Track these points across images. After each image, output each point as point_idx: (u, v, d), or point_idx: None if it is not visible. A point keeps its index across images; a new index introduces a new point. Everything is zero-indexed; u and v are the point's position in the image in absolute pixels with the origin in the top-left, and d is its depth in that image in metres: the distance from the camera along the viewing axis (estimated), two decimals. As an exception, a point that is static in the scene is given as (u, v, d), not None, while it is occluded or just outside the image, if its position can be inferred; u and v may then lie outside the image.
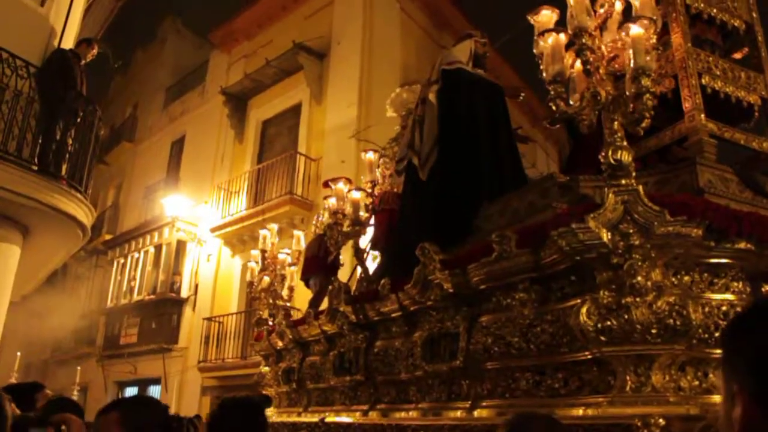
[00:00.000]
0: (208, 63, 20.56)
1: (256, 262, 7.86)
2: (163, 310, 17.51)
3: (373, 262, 6.79)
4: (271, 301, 7.34)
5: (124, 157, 23.46)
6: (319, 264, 7.25)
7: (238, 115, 17.87)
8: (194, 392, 16.16)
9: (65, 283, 23.33)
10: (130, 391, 19.32)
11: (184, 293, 17.54)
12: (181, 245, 17.84)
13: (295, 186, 14.79)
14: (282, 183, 15.26)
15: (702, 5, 4.40)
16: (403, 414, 4.55)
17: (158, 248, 18.25)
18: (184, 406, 15.86)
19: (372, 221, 6.32)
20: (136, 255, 19.04)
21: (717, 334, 3.05)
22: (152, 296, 17.78)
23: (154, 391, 17.88)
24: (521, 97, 5.50)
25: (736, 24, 4.59)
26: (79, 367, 15.26)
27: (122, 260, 19.61)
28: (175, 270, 17.73)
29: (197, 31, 23.11)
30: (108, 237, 21.10)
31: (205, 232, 17.22)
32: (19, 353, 13.59)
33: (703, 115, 3.93)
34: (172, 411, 13.59)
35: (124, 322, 18.46)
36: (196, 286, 17.33)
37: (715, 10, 4.46)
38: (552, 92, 3.49)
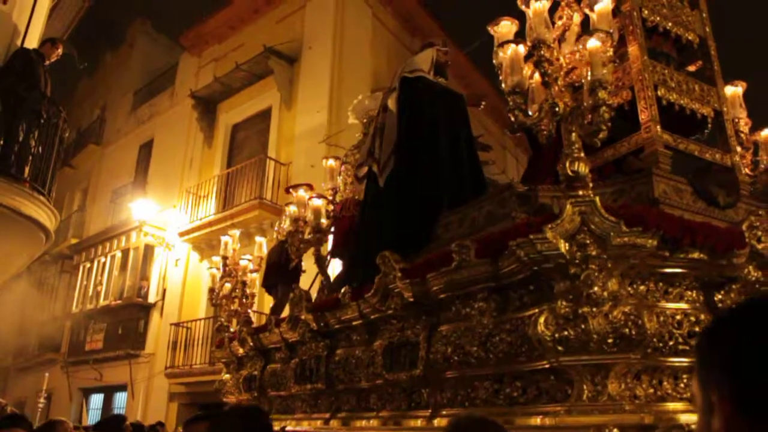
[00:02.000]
0: (177, 66, 20.32)
1: (218, 269, 7.78)
2: (129, 316, 17.25)
3: (334, 269, 6.79)
4: (232, 307, 7.29)
5: (90, 160, 23.06)
6: (280, 271, 7.17)
7: (207, 119, 17.69)
8: (161, 399, 15.90)
9: (29, 288, 23.00)
10: (96, 399, 19.06)
11: (152, 298, 17.27)
12: (148, 250, 17.57)
13: (264, 191, 14.70)
14: (251, 187, 15.15)
15: (658, 19, 4.48)
16: (363, 422, 4.55)
17: (125, 253, 17.95)
18: (150, 413, 15.64)
19: (333, 228, 6.31)
20: (102, 259, 18.72)
21: (671, 343, 3.11)
22: (119, 301, 17.47)
23: (120, 398, 17.64)
24: (482, 106, 5.53)
25: (690, 38, 4.69)
26: (47, 374, 14.97)
27: (88, 265, 19.27)
28: (142, 275, 17.44)
29: (167, 34, 22.91)
30: (74, 241, 20.71)
31: (174, 237, 17.01)
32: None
33: (658, 127, 4.00)
34: (138, 418, 13.46)
35: (90, 327, 18.16)
36: (164, 291, 17.10)
37: (670, 24, 4.55)
38: (511, 103, 3.53)
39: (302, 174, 13.00)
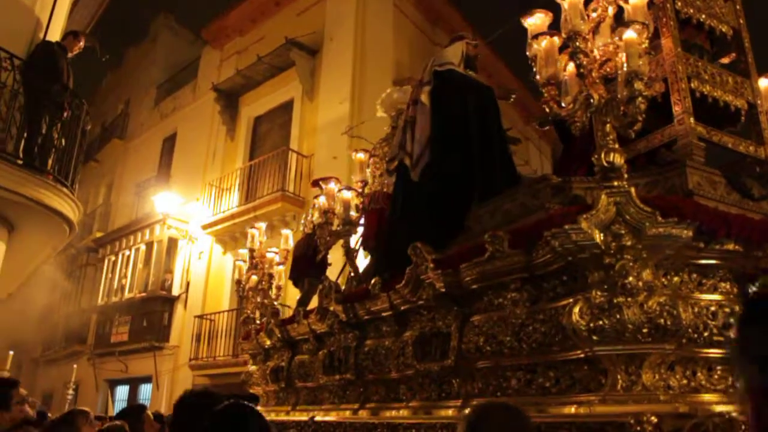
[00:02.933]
0: (199, 59, 20.45)
1: (244, 261, 7.85)
2: (154, 308, 17.41)
3: (365, 259, 6.81)
4: (259, 299, 7.34)
5: (115, 154, 23.31)
6: (307, 263, 7.21)
7: (229, 112, 17.76)
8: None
9: (56, 281, 23.24)
10: (121, 390, 19.24)
11: (176, 291, 17.45)
12: (172, 243, 17.74)
13: (287, 183, 14.74)
14: (274, 180, 15.20)
15: (691, 11, 4.46)
16: (393, 413, 4.58)
17: (149, 246, 18.14)
18: (175, 404, 15.84)
19: (362, 221, 6.34)
20: (126, 253, 18.93)
21: (706, 334, 3.12)
22: (143, 294, 17.68)
23: (145, 389, 17.82)
24: (512, 99, 5.54)
25: (723, 30, 4.67)
26: (75, 365, 15.15)
27: (113, 258, 19.50)
28: (166, 268, 17.62)
29: (190, 28, 23.02)
30: (99, 234, 20.96)
31: (197, 230, 17.11)
32: (12, 352, 13.50)
33: (692, 119, 3.99)
34: (162, 410, 13.60)
35: (115, 320, 18.35)
36: (188, 283, 17.23)
37: (703, 16, 4.53)
38: (545, 95, 3.54)
39: (324, 166, 13.04)
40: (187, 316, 16.74)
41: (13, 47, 8.02)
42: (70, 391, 13.94)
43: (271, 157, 15.68)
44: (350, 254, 6.09)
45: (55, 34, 9.29)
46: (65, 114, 8.35)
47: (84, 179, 23.37)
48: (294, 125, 15.98)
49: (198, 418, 2.76)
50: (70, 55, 8.90)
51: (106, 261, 19.82)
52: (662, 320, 2.99)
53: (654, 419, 2.75)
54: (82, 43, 9.20)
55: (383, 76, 14.44)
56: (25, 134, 7.95)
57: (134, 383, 18.41)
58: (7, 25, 8.37)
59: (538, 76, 3.58)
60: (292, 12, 17.02)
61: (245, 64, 17.18)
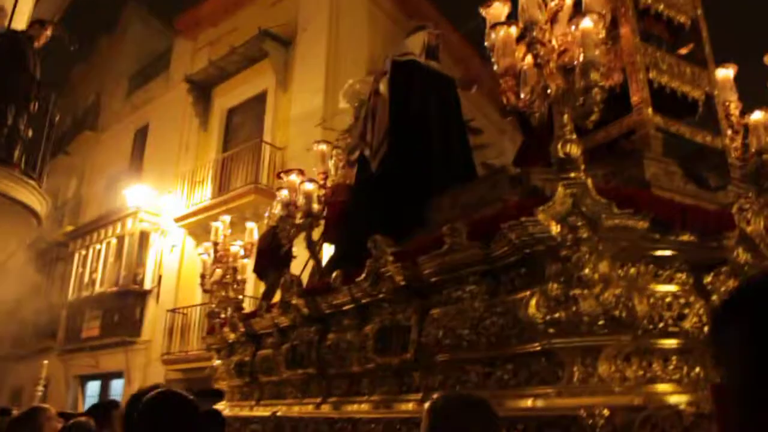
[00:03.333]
0: (172, 50, 20.17)
1: (208, 254, 7.79)
2: (125, 303, 17.14)
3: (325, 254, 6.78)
4: (223, 293, 7.28)
5: (86, 146, 22.89)
6: (272, 256, 7.15)
7: (202, 104, 17.56)
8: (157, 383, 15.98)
9: (24, 276, 22.92)
10: (92, 386, 19.04)
11: (148, 285, 17.19)
12: (144, 236, 17.46)
13: (260, 175, 14.65)
14: (247, 172, 15.06)
15: (650, 1, 4.48)
16: (354, 407, 4.55)
17: (121, 239, 17.83)
18: (147, 399, 15.73)
19: (324, 213, 6.30)
20: (98, 246, 18.61)
21: (661, 325, 3.12)
22: (114, 288, 17.37)
23: (117, 385, 17.66)
24: (474, 89, 5.52)
25: (682, 20, 4.69)
26: (46, 361, 14.95)
27: (84, 252, 19.18)
28: (138, 261, 17.35)
29: (161, 18, 22.74)
30: (69, 228, 20.64)
31: (169, 223, 16.91)
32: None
33: (650, 109, 3.99)
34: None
35: (86, 315, 18.04)
36: (160, 277, 17.02)
37: (662, 6, 4.54)
38: (503, 85, 3.51)
39: (298, 158, 12.94)
40: (159, 310, 16.56)
41: (-24, 37, 7.81)
42: (40, 388, 13.76)
43: (244, 150, 15.55)
44: (312, 247, 6.05)
45: (20, 23, 9.08)
46: (32, 105, 8.19)
47: (54, 171, 23.02)
48: (267, 117, 15.86)
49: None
50: (37, 44, 8.66)
51: (76, 255, 19.51)
52: (618, 312, 2.99)
53: (606, 412, 2.75)
54: (49, 32, 8.94)
55: (357, 68, 14.36)
56: (-9, 126, 7.79)
57: (106, 379, 18.19)
58: (-31, 14, 8.20)
59: (495, 67, 3.55)
60: (266, 2, 16.84)
61: (218, 54, 16.98)
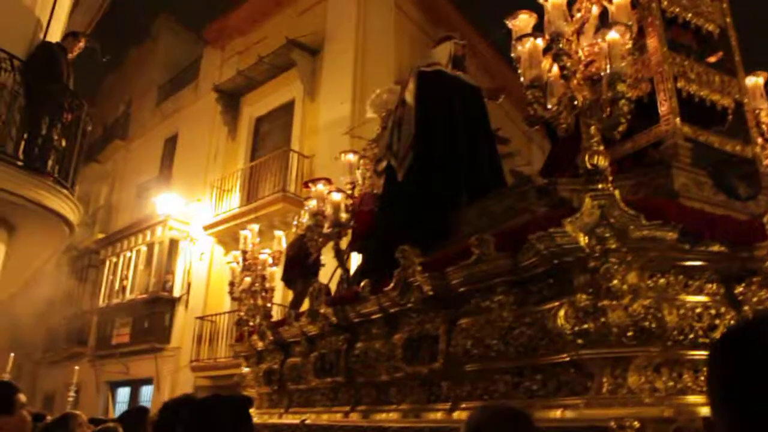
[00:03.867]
0: (201, 60, 20.40)
1: (237, 263, 7.85)
2: (155, 310, 17.29)
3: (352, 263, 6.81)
4: (251, 301, 7.32)
5: (116, 155, 23.24)
6: (300, 265, 7.22)
7: (231, 112, 17.71)
8: (187, 392, 16.03)
9: (57, 283, 23.24)
10: (122, 392, 19.21)
11: (177, 292, 17.35)
12: (173, 244, 17.64)
13: (288, 183, 14.70)
14: (275, 180, 15.14)
15: (677, 10, 4.45)
16: (383, 415, 4.58)
17: (150, 247, 18.03)
18: (176, 406, 15.82)
19: (352, 222, 6.33)
20: (128, 254, 18.84)
21: (691, 336, 3.11)
22: (144, 295, 17.56)
23: (146, 391, 17.79)
24: (500, 99, 5.52)
25: (710, 28, 4.66)
26: (77, 367, 15.13)
27: (114, 259, 19.42)
28: (167, 269, 17.52)
29: (191, 28, 23.00)
30: (100, 236, 20.92)
31: (198, 231, 17.05)
32: (12, 354, 13.49)
33: (678, 119, 3.97)
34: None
35: (116, 321, 18.27)
36: (189, 284, 17.16)
37: (690, 15, 4.51)
38: (530, 97, 3.53)
39: (325, 166, 12.98)
40: (188, 317, 16.68)
41: (13, 48, 7.99)
42: (71, 393, 13.92)
43: (272, 158, 15.64)
44: (340, 256, 6.09)
45: (55, 35, 9.27)
46: (65, 115, 8.32)
47: (85, 180, 23.45)
48: (295, 126, 15.92)
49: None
50: (70, 55, 8.85)
51: (107, 262, 19.75)
52: (647, 323, 2.98)
53: (636, 424, 2.75)
54: (82, 44, 9.14)
55: (384, 76, 14.39)
56: (25, 135, 7.93)
57: (135, 385, 18.35)
58: (7, 26, 8.34)
59: (522, 78, 3.56)
60: (294, 12, 16.96)
61: (246, 64, 17.11)
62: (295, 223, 7.85)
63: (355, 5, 15.41)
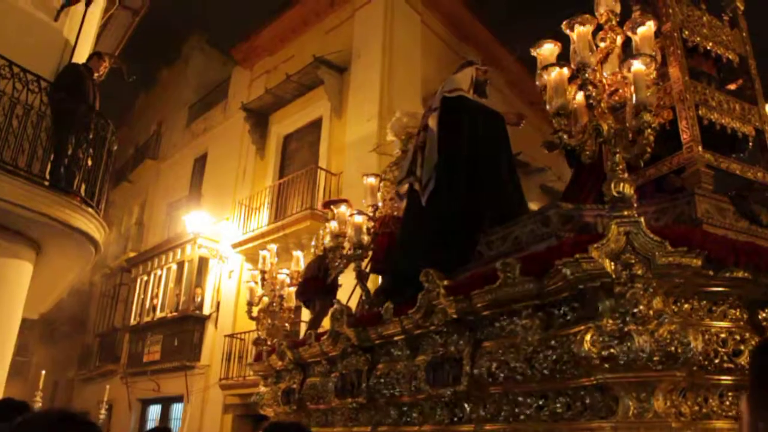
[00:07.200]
0: (230, 79, 20.64)
1: (255, 282, 7.91)
2: (185, 328, 17.37)
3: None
4: (269, 321, 7.40)
5: (147, 174, 23.56)
6: (318, 285, 7.23)
7: (259, 131, 17.82)
8: (216, 410, 15.98)
9: (90, 301, 23.55)
10: (154, 410, 19.25)
11: (206, 310, 17.40)
12: (203, 262, 17.73)
13: (315, 201, 14.68)
14: (303, 198, 15.18)
15: (698, 39, 4.52)
16: (405, 436, 4.60)
17: (180, 265, 18.15)
18: (206, 424, 15.86)
19: (372, 245, 6.38)
20: (158, 272, 18.98)
21: (717, 361, 3.14)
22: (175, 313, 17.67)
23: (177, 408, 17.82)
24: (522, 125, 5.57)
25: (730, 57, 4.73)
26: (108, 386, 15.29)
27: (145, 277, 19.56)
28: (197, 286, 17.64)
29: (221, 48, 23.31)
30: (132, 254, 21.16)
31: (227, 249, 17.12)
32: (44, 372, 13.67)
33: (700, 147, 4.01)
34: (195, 429, 13.62)
35: (148, 339, 18.35)
36: (218, 303, 17.22)
37: (710, 44, 4.59)
38: (555, 125, 3.59)
39: (353, 184, 13.03)
40: (217, 335, 16.72)
41: (40, 69, 8.13)
42: (103, 411, 14.07)
43: (300, 176, 15.68)
44: (362, 278, 6.13)
45: (82, 56, 9.44)
46: (91, 135, 8.42)
47: (117, 200, 23.92)
48: (323, 143, 15.97)
49: None
50: (96, 75, 9.00)
51: (138, 280, 19.91)
52: (673, 348, 3.02)
53: (665, 448, 2.78)
54: (107, 64, 9.29)
55: (411, 93, 14.49)
56: (52, 155, 8.05)
57: (166, 402, 18.37)
58: (35, 48, 8.53)
59: (548, 106, 3.63)
60: (321, 31, 17.12)
61: (274, 82, 17.24)
62: (313, 243, 7.93)
63: (382, 23, 15.47)
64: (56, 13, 9.20)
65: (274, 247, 8.31)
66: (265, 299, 7.62)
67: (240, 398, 15.23)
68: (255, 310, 7.83)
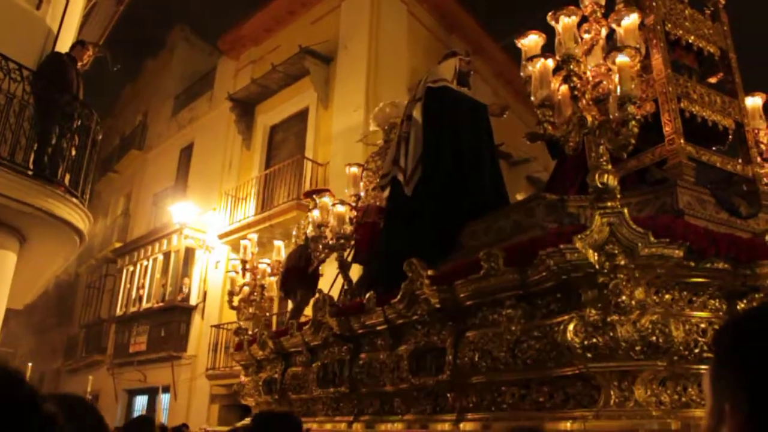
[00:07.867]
0: (215, 70, 20.49)
1: (236, 272, 7.89)
2: (171, 318, 17.27)
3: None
4: (250, 310, 7.38)
5: (133, 165, 23.34)
6: (299, 275, 7.25)
7: (245, 121, 17.71)
8: (203, 400, 15.96)
9: (76, 292, 23.44)
10: (140, 400, 19.18)
11: (193, 300, 17.31)
12: (189, 252, 17.63)
13: (302, 191, 14.62)
14: (289, 188, 15.16)
15: (680, 32, 4.55)
16: (388, 425, 4.64)
17: (167, 256, 18.04)
18: (193, 414, 15.82)
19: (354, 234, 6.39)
20: (144, 263, 18.85)
21: (696, 351, 3.18)
22: (161, 304, 17.55)
23: (164, 399, 17.84)
24: (506, 115, 5.58)
25: (711, 50, 4.77)
26: (90, 377, 15.20)
27: (131, 268, 19.42)
28: (183, 277, 17.56)
29: (206, 39, 23.14)
30: (118, 245, 20.97)
31: (213, 239, 17.05)
32: (30, 364, 13.59)
33: (682, 139, 4.05)
34: (182, 420, 13.62)
35: (134, 330, 18.23)
36: (205, 293, 17.14)
37: (692, 37, 4.63)
38: (540, 116, 3.60)
39: (339, 174, 12.97)
40: (204, 325, 16.68)
41: (23, 58, 8.00)
42: (88, 402, 13.98)
43: (286, 166, 15.62)
44: (344, 267, 6.14)
45: (65, 46, 9.30)
46: (75, 125, 8.32)
47: (103, 190, 23.77)
48: (309, 133, 15.91)
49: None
50: (79, 65, 8.87)
51: (124, 271, 19.74)
52: (655, 338, 3.07)
53: (646, 436, 2.81)
54: (90, 53, 9.17)
55: (398, 84, 14.44)
56: (35, 145, 7.93)
57: (153, 393, 18.21)
58: (17, 37, 8.38)
59: (532, 98, 3.64)
60: (307, 21, 16.99)
61: (260, 73, 17.11)
62: (294, 233, 7.93)
63: (368, 13, 15.40)
64: (38, 1, 9.07)
65: (254, 236, 8.28)
66: (246, 289, 7.59)
67: (227, 388, 15.16)
68: (236, 300, 7.80)
